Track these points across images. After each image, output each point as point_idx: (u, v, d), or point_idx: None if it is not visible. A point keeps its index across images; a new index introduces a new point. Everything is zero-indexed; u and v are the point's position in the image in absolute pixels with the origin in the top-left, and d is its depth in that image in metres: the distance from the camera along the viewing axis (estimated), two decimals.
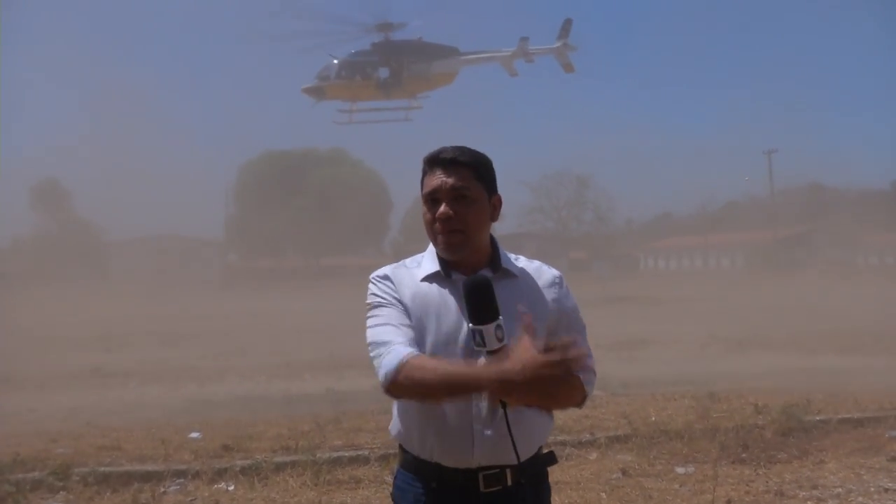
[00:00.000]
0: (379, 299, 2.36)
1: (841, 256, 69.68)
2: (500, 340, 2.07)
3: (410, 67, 30.57)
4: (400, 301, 2.34)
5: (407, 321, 2.30)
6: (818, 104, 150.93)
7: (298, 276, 68.86)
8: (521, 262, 2.46)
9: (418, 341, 2.27)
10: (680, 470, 6.47)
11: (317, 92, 31.17)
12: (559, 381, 2.04)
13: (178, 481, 6.43)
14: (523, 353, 2.01)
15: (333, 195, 70.85)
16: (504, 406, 2.13)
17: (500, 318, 2.09)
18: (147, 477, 6.45)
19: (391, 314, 2.32)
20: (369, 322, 2.34)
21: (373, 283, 2.41)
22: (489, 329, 2.07)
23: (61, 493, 6.23)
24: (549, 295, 2.41)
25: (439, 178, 2.33)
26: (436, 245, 2.37)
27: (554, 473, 6.37)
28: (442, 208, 2.30)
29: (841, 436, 7.26)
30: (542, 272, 2.46)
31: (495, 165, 2.43)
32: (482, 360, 2.11)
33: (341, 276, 68.48)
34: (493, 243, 2.43)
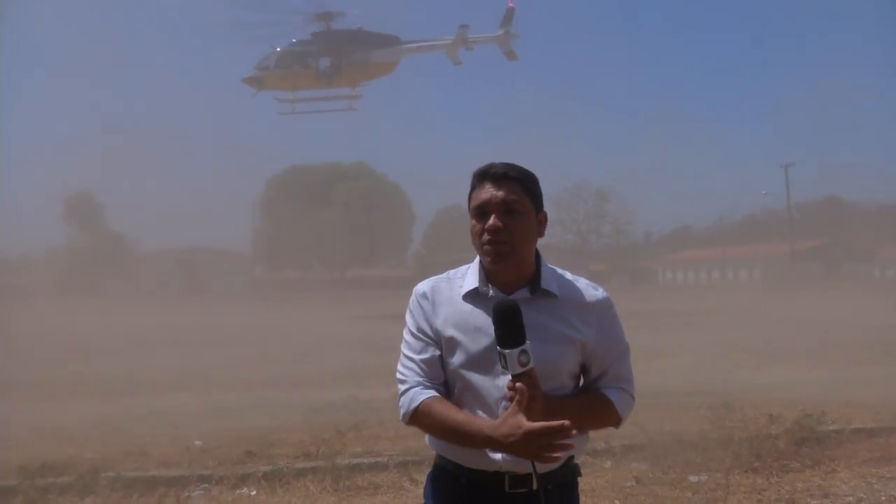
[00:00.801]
0: (410, 325, 2.47)
1: (858, 269, 69.03)
2: (524, 365, 2.11)
3: (350, 57, 30.22)
4: (431, 326, 2.41)
5: (430, 352, 2.40)
6: (835, 118, 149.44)
7: (324, 288, 69.08)
8: (567, 279, 2.46)
9: (450, 357, 2.37)
10: (693, 478, 6.43)
11: (256, 82, 30.86)
12: (549, 446, 2.13)
13: (202, 486, 6.47)
14: (511, 420, 2.15)
15: (357, 208, 71.08)
16: None
17: (527, 342, 2.14)
18: (172, 482, 6.49)
19: (417, 346, 2.43)
20: (402, 345, 2.46)
21: (412, 301, 2.48)
22: (513, 354, 2.12)
23: (89, 497, 6.28)
24: (588, 318, 2.42)
25: (489, 192, 2.35)
26: (482, 256, 2.39)
27: None
28: (492, 220, 2.33)
29: (854, 446, 7.19)
30: (585, 293, 2.45)
31: (536, 173, 2.46)
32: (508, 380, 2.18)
33: (366, 287, 68.77)
34: (538, 260, 2.44)
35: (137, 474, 6.65)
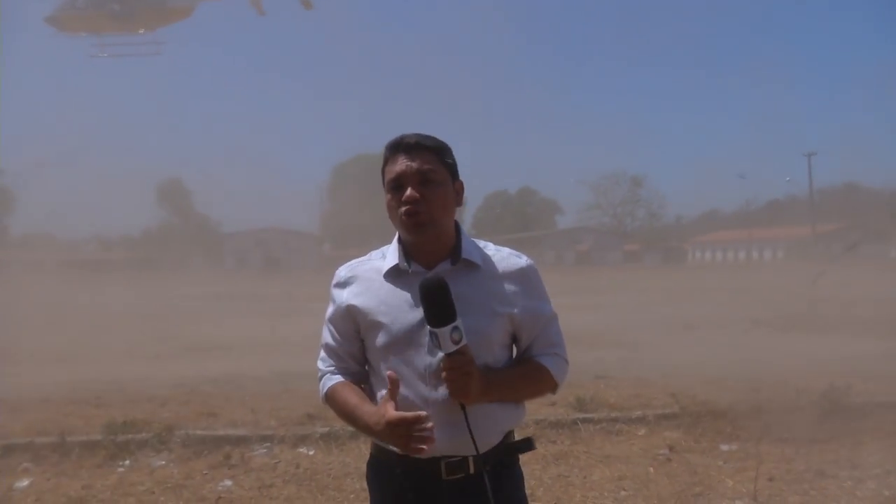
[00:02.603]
0: (328, 312, 2.26)
1: (875, 251, 67.10)
2: (457, 343, 1.92)
3: (144, 1, 28.68)
4: (346, 313, 2.18)
5: (341, 341, 2.22)
6: (855, 106, 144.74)
7: None
8: (490, 250, 2.20)
9: (374, 339, 2.12)
10: (724, 447, 6.12)
11: (56, 22, 29.15)
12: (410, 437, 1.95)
13: (264, 445, 6.35)
14: (380, 409, 2.00)
15: None
16: (463, 406, 1.96)
17: (458, 319, 1.89)
18: (237, 441, 6.38)
19: (329, 335, 2.25)
20: (323, 330, 2.27)
21: (330, 289, 2.25)
22: (445, 332, 1.89)
23: (163, 452, 6.20)
24: (512, 286, 2.16)
25: (403, 164, 2.10)
26: (401, 229, 2.13)
27: (605, 448, 6.13)
28: (408, 191, 2.07)
29: (880, 418, 6.74)
30: (509, 262, 2.19)
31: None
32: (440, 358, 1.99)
33: None
34: (457, 231, 2.17)
35: (206, 433, 6.53)
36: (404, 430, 1.94)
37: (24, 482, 5.58)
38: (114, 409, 7.48)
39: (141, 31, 29.36)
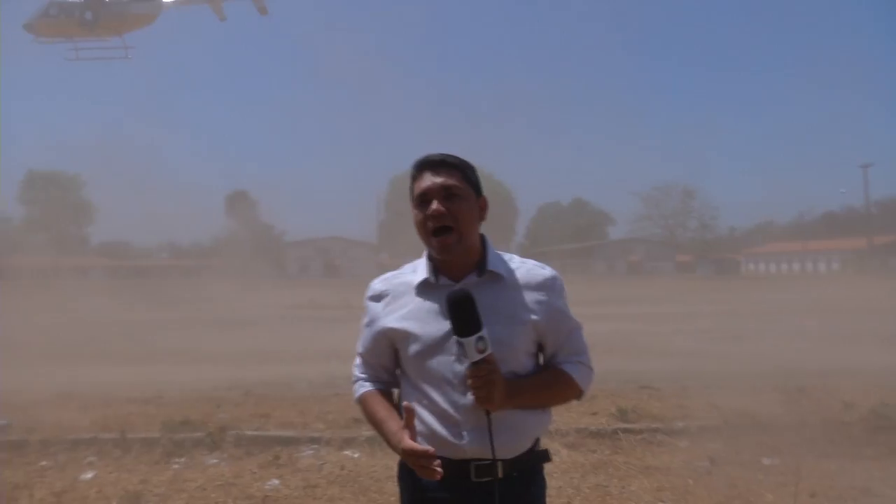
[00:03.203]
0: (362, 323, 2.32)
1: None
2: (482, 352, 1.93)
3: (108, 8, 28.94)
4: (379, 325, 2.23)
5: (373, 350, 2.27)
6: None
7: None
8: (515, 262, 2.22)
9: (407, 349, 2.16)
10: (766, 461, 5.90)
11: (32, 29, 29.44)
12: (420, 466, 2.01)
13: (312, 447, 6.38)
14: (398, 435, 2.05)
15: None
16: (488, 412, 2.00)
17: (483, 330, 1.91)
18: (287, 442, 6.43)
19: (363, 345, 2.30)
20: (359, 338, 2.33)
21: (365, 301, 2.31)
22: (470, 342, 1.91)
23: (216, 451, 6.28)
24: (536, 296, 2.17)
25: (429, 180, 2.14)
26: (430, 247, 2.15)
27: (645, 458, 5.98)
28: (434, 205, 2.10)
29: None
30: (533, 273, 2.20)
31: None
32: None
33: None
34: (483, 244, 2.20)
35: (258, 433, 6.61)
36: (415, 460, 2.00)
37: (89, 475, 5.72)
38: (172, 409, 7.63)
39: (109, 37, 30.06)
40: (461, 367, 2.04)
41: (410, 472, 2.16)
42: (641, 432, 6.77)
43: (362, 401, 2.27)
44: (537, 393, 2.15)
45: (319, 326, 19.40)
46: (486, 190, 2.21)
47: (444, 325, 2.05)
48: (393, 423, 2.13)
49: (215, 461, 6.06)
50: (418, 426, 2.08)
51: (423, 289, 2.16)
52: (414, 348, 2.12)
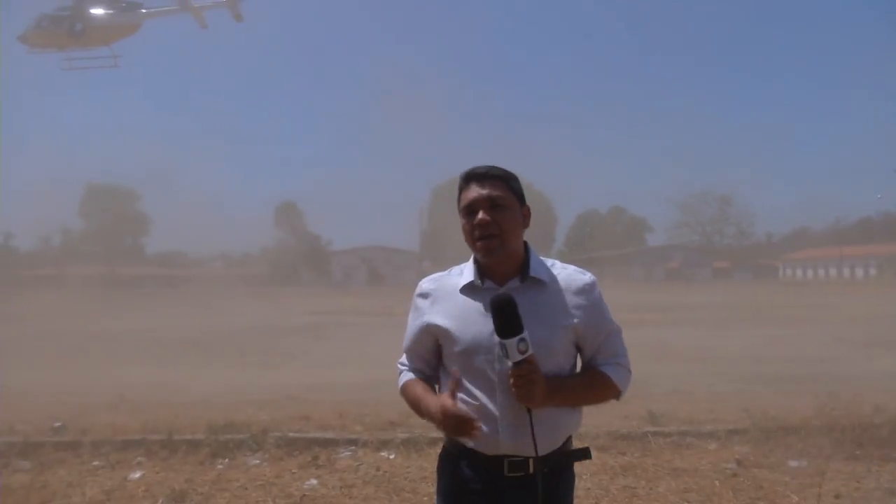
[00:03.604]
0: (410, 318, 2.40)
1: None
2: (523, 353, 1.99)
3: (94, 19, 29.63)
4: (425, 322, 2.31)
5: (418, 345, 2.36)
6: None
7: None
8: (556, 268, 2.28)
9: (451, 346, 2.24)
10: (793, 463, 5.79)
11: (25, 40, 30.28)
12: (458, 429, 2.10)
13: (350, 448, 6.44)
14: (440, 399, 2.14)
15: None
16: (529, 410, 2.06)
17: (524, 332, 1.98)
18: (325, 443, 6.51)
19: (409, 339, 2.39)
20: (406, 333, 2.42)
21: (414, 298, 2.40)
22: (512, 343, 1.98)
23: (259, 452, 6.38)
24: (576, 300, 2.22)
25: (475, 191, 2.23)
26: (475, 251, 2.23)
27: (674, 461, 5.94)
28: (480, 215, 2.18)
29: None
30: (573, 279, 2.26)
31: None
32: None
33: None
34: (526, 250, 2.27)
35: (298, 435, 6.69)
36: (453, 419, 2.08)
37: (137, 474, 5.87)
38: (217, 412, 7.76)
39: (97, 47, 30.88)
40: (501, 367, 2.10)
41: (452, 461, 2.27)
42: (671, 435, 6.71)
43: (404, 387, 2.37)
44: (577, 392, 2.22)
45: (361, 332, 19.55)
46: (527, 199, 2.28)
47: (487, 326, 2.11)
48: (431, 396, 2.24)
49: (257, 462, 6.16)
50: None
51: (469, 290, 2.23)
52: (457, 346, 2.20)
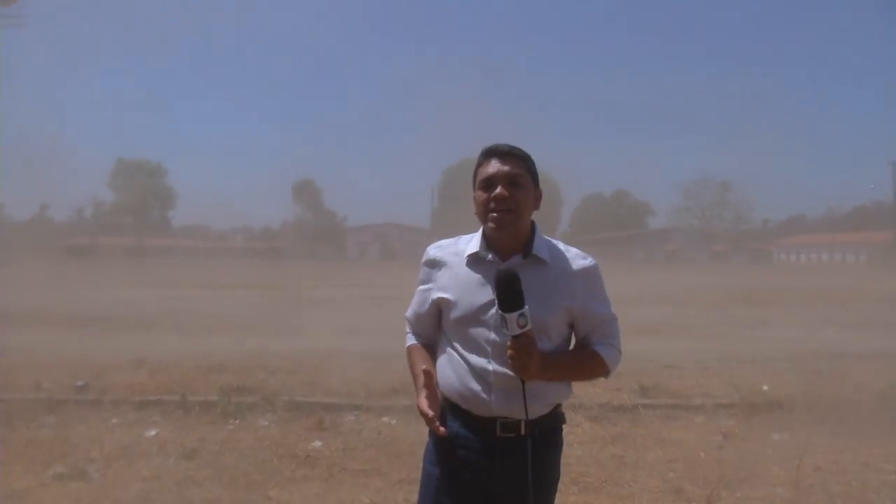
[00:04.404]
0: (420, 281, 2.39)
1: None
2: (522, 327, 1.97)
3: None
4: (430, 286, 2.32)
5: (424, 308, 2.35)
6: None
7: None
8: (559, 249, 2.24)
9: (451, 312, 2.23)
10: (776, 437, 5.79)
11: None
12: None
13: (353, 413, 6.48)
14: (418, 397, 2.15)
15: None
16: (523, 381, 2.06)
17: (525, 307, 1.96)
18: (330, 408, 6.54)
19: (417, 301, 2.39)
20: (414, 296, 2.41)
21: (422, 263, 2.39)
22: (512, 317, 1.96)
23: (268, 414, 6.42)
24: (576, 283, 2.21)
25: (496, 166, 2.19)
26: (486, 223, 2.20)
27: (662, 432, 5.91)
28: (498, 190, 2.15)
29: None
30: (574, 261, 2.23)
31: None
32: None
33: None
34: (532, 229, 2.23)
35: (305, 399, 6.74)
36: (423, 416, 2.13)
37: (152, 432, 5.91)
38: (231, 375, 7.81)
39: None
40: (496, 337, 2.10)
41: (444, 418, 2.24)
42: (660, 408, 6.70)
43: (408, 351, 2.39)
44: (569, 368, 2.22)
45: (371, 304, 19.59)
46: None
47: (486, 296, 2.12)
48: (420, 378, 2.21)
49: (266, 423, 6.20)
50: (453, 380, 2.20)
51: (473, 260, 2.22)
52: (456, 314, 2.19)
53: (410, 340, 2.41)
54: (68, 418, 6.30)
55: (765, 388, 7.45)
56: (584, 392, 6.81)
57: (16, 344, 10.16)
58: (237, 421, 6.26)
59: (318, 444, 5.63)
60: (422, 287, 2.35)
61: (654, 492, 4.61)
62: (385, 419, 6.32)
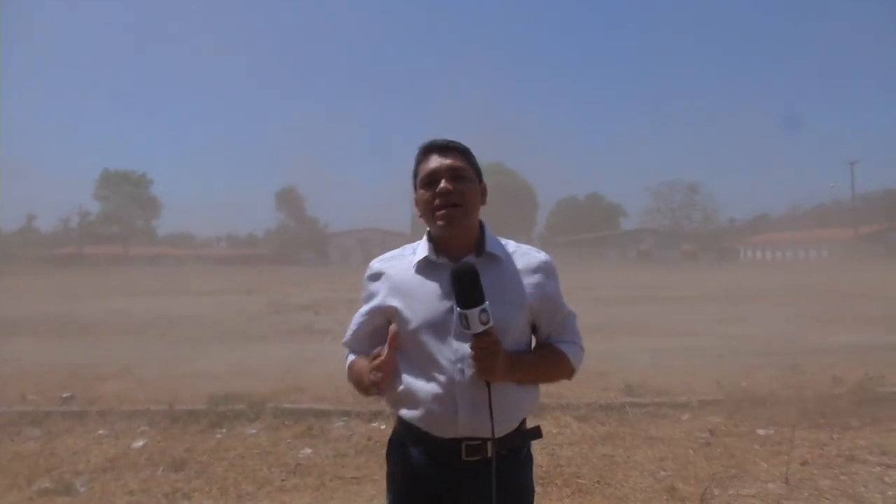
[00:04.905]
0: (363, 300, 2.15)
1: None
2: (485, 324, 1.78)
3: None
4: (374, 303, 2.08)
5: (363, 326, 2.11)
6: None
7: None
8: (511, 246, 2.07)
9: (404, 325, 1.96)
10: (761, 431, 5.68)
11: None
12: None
13: (343, 419, 6.27)
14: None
15: (493, 199, 70.54)
16: (488, 384, 1.84)
17: (486, 302, 1.76)
18: (319, 414, 6.33)
19: (360, 319, 2.13)
20: (355, 316, 2.16)
21: (365, 280, 2.14)
22: (474, 313, 1.77)
23: (256, 422, 6.20)
24: (532, 279, 2.02)
25: (437, 161, 2.00)
26: (433, 224, 1.98)
27: (650, 430, 5.77)
28: (442, 184, 1.96)
29: None
30: (528, 257, 2.06)
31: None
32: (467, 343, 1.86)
33: None
34: (482, 228, 2.04)
35: (294, 406, 6.52)
36: (376, 368, 1.88)
37: (140, 443, 5.67)
38: (218, 383, 7.57)
39: None
40: (460, 345, 1.88)
41: (400, 446, 2.04)
42: (647, 406, 6.57)
43: (350, 367, 2.11)
44: (535, 368, 2.01)
45: (357, 309, 19.32)
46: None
47: (444, 304, 1.92)
48: (363, 361, 2.01)
49: (254, 431, 5.97)
50: (411, 406, 1.95)
51: (423, 267, 2.00)
52: (410, 325, 1.95)
53: (349, 359, 2.13)
54: (54, 430, 6.03)
55: (743, 384, 7.37)
56: (571, 392, 6.67)
57: (1, 355, 9.83)
58: (225, 430, 6.01)
59: (308, 451, 5.42)
60: (364, 308, 2.11)
61: (648, 491, 4.47)
62: (375, 424, 6.12)
